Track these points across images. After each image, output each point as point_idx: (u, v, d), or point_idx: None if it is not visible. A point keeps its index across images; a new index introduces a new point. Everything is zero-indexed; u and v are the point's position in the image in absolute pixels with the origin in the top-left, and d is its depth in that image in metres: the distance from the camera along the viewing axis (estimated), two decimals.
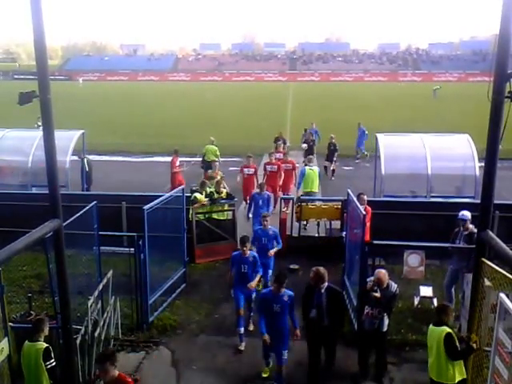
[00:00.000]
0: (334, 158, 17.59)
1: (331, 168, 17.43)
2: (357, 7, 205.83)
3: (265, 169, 12.88)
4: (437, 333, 5.24)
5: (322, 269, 6.04)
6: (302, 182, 12.07)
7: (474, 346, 5.14)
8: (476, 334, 5.32)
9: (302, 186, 12.14)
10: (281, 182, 12.64)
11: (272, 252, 8.24)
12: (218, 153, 16.17)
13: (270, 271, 8.24)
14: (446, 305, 5.50)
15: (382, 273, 6.11)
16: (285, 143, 17.51)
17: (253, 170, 12.95)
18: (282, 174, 12.64)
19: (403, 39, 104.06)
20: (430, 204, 10.84)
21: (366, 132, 20.36)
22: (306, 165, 12.94)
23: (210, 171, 13.22)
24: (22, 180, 12.90)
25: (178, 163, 14.18)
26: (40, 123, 21.63)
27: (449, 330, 5.15)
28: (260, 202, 10.21)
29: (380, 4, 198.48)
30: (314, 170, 12.30)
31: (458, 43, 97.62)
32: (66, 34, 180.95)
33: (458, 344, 5.17)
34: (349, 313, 7.77)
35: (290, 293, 6.22)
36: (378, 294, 6.06)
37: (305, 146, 18.39)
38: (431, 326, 5.40)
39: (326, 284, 6.02)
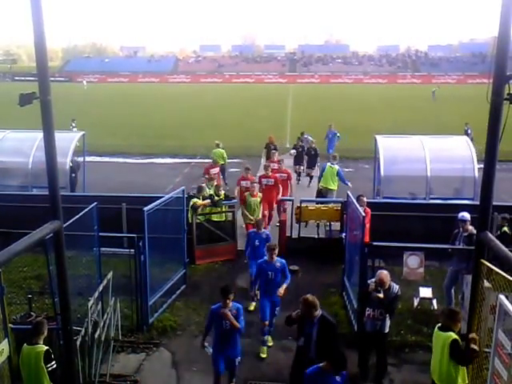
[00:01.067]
0: (318, 164, 16.54)
1: (311, 174, 16.43)
2: (356, 9, 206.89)
3: (260, 182, 11.46)
4: (442, 338, 5.14)
5: (310, 296, 5.44)
6: (322, 177, 12.76)
7: (475, 347, 5.09)
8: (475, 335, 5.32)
9: (321, 180, 12.81)
10: (279, 196, 11.48)
11: (282, 291, 6.99)
12: (226, 155, 15.69)
13: (278, 309, 7.28)
14: (455, 310, 5.30)
15: (384, 273, 6.09)
16: (276, 149, 16.28)
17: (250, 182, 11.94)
18: (280, 188, 11.56)
19: (402, 41, 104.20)
20: (429, 206, 10.84)
21: (338, 134, 19.77)
22: (328, 161, 13.44)
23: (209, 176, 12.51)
24: (23, 181, 12.89)
25: (213, 171, 13.25)
26: (74, 124, 21.73)
27: (455, 336, 5.05)
28: (256, 242, 8.31)
29: (379, 6, 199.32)
30: (334, 167, 12.60)
31: (457, 45, 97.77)
32: (66, 36, 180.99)
33: (463, 349, 5.09)
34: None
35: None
36: (381, 295, 6.04)
37: (293, 151, 17.25)
38: (437, 329, 5.28)
39: (320, 312, 5.41)
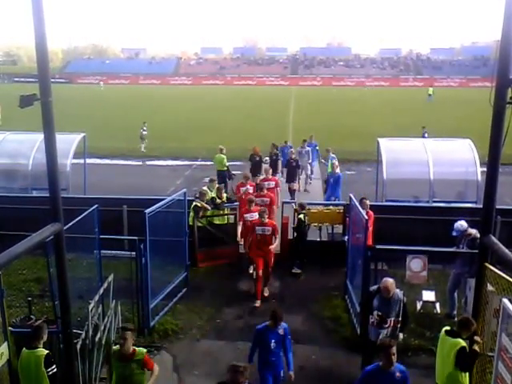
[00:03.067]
0: (299, 177, 15.13)
1: (293, 188, 14.49)
2: (358, 12, 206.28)
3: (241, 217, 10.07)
4: (449, 343, 5.06)
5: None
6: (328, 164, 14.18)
7: (477, 348, 5.04)
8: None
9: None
10: (274, 216, 10.33)
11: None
12: (225, 162, 14.92)
13: None
14: (470, 321, 5.14)
15: (390, 282, 5.96)
16: (261, 161, 15.10)
17: (251, 188, 11.23)
18: (275, 209, 10.61)
19: (405, 44, 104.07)
20: (432, 209, 10.80)
21: (317, 148, 17.57)
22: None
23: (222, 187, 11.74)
24: (23, 183, 12.86)
25: (241, 190, 11.17)
26: (145, 128, 21.78)
27: (463, 343, 4.97)
28: (272, 343, 5.68)
29: (382, 9, 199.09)
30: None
31: (459, 48, 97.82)
32: (67, 37, 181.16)
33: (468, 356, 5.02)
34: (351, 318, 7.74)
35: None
36: (390, 324, 5.98)
37: (266, 159, 15.68)
38: (444, 333, 5.20)
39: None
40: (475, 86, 63.68)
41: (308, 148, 16.55)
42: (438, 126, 26.81)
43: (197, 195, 10.29)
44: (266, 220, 8.66)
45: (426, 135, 19.98)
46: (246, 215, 9.42)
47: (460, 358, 4.92)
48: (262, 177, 11.23)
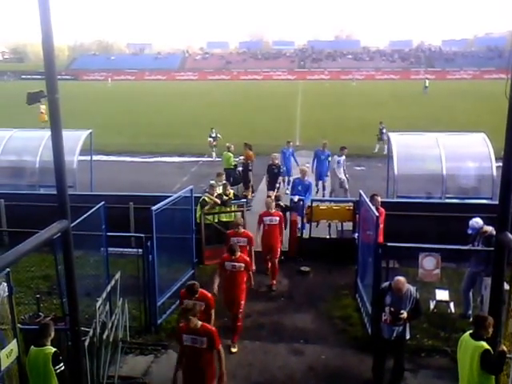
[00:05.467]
0: (278, 185, 13.49)
1: (273, 195, 11.93)
2: (367, 3, 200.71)
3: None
4: (472, 346, 4.92)
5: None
6: None
7: (504, 348, 4.92)
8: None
9: None
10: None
11: None
12: (232, 160, 14.47)
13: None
14: (484, 317, 5.06)
15: (402, 282, 5.84)
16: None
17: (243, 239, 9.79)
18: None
19: (416, 36, 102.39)
20: (445, 205, 10.55)
21: (330, 158, 14.25)
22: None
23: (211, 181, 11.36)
24: (30, 180, 12.85)
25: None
26: (214, 133, 19.21)
27: (486, 346, 4.83)
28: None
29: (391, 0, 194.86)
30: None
31: (472, 40, 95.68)
32: (72, 34, 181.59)
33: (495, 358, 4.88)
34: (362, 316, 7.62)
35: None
36: (404, 315, 5.87)
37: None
38: (467, 335, 5.05)
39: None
40: (489, 78, 62.65)
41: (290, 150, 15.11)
42: (451, 120, 26.51)
43: (206, 189, 10.20)
44: (274, 210, 9.24)
45: (385, 130, 19.62)
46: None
47: (485, 361, 4.79)
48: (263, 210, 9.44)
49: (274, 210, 9.19)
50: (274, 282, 9.04)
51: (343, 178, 13.74)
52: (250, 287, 7.73)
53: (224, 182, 11.12)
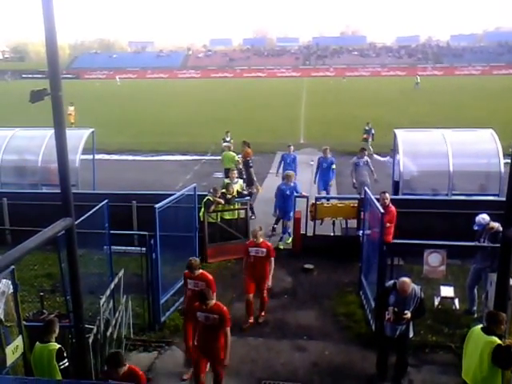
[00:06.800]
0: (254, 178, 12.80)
1: (254, 190, 12.50)
2: None
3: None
4: (484, 341, 4.90)
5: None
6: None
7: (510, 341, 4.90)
8: None
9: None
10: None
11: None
12: (237, 158, 13.75)
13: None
14: (497, 313, 5.06)
15: (407, 284, 5.81)
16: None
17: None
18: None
19: (423, 31, 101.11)
20: (451, 202, 10.48)
21: (334, 166, 12.93)
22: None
23: (226, 180, 11.33)
24: (32, 179, 12.86)
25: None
26: (229, 138, 17.14)
27: (499, 341, 4.83)
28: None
29: None
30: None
31: (481, 34, 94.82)
32: (74, 32, 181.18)
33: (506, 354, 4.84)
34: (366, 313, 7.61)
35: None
36: (408, 316, 5.86)
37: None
38: (479, 329, 5.04)
39: None
40: (499, 74, 62.09)
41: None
42: (459, 116, 26.35)
43: (210, 190, 10.20)
44: (260, 240, 7.68)
45: (373, 130, 19.52)
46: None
47: (498, 357, 4.79)
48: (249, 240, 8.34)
49: (261, 240, 7.70)
50: (263, 313, 7.82)
51: (363, 180, 12.33)
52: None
53: (227, 180, 11.12)
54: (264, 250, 7.63)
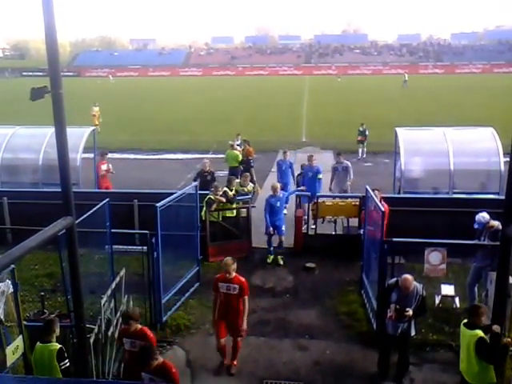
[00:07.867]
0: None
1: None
2: None
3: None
4: (468, 336, 5.03)
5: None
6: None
7: (509, 340, 4.95)
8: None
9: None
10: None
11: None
12: (240, 157, 13.87)
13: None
14: (477, 306, 5.25)
15: (409, 281, 5.83)
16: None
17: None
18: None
19: (424, 29, 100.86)
20: (452, 200, 10.45)
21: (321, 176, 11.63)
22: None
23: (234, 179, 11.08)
24: (33, 178, 12.84)
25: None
26: (239, 141, 16.33)
27: (481, 334, 4.92)
28: None
29: None
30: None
31: (482, 33, 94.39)
32: (74, 29, 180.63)
33: (490, 346, 4.92)
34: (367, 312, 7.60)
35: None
36: (409, 313, 5.85)
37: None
38: (462, 326, 5.17)
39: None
40: (499, 72, 61.83)
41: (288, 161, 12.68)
42: (459, 114, 26.24)
43: (212, 189, 10.18)
44: (233, 274, 6.46)
45: (367, 132, 19.44)
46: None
47: (481, 349, 4.87)
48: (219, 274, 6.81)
49: (233, 275, 6.44)
50: (235, 362, 6.65)
51: (342, 187, 11.78)
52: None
53: (229, 178, 11.09)
54: (236, 286, 6.37)
